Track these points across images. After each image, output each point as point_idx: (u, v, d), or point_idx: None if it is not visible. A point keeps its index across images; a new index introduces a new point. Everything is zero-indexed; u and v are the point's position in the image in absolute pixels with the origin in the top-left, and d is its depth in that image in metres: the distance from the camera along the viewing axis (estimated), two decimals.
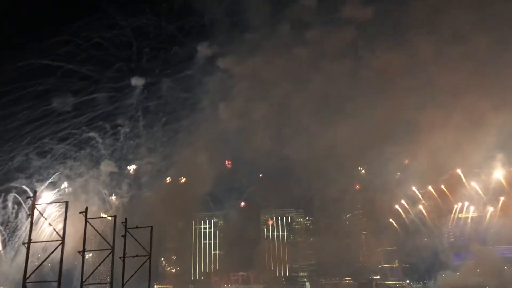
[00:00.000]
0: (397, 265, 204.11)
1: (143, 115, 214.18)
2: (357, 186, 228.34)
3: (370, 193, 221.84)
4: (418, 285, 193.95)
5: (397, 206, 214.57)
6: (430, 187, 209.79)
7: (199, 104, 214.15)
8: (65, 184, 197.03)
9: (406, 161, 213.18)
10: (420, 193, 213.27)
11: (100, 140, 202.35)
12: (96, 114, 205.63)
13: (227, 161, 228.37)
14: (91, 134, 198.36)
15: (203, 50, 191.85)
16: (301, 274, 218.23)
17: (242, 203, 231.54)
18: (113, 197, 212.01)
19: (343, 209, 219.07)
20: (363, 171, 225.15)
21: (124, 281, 29.18)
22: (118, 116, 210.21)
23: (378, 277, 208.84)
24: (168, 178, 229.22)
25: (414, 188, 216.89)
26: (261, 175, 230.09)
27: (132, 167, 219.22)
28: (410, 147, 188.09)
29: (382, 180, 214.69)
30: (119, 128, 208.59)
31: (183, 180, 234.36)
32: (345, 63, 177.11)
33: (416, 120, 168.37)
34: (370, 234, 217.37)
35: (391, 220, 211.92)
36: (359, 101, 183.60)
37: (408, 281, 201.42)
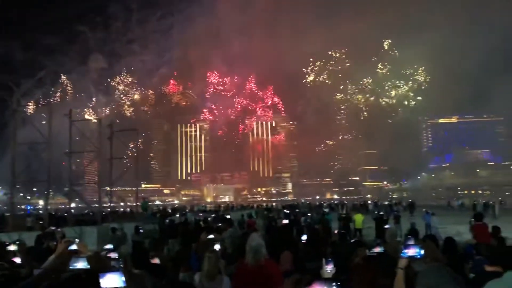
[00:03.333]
0: (376, 167, 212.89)
1: (137, 7, 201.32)
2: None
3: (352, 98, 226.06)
4: (395, 186, 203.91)
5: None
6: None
7: None
8: (53, 81, 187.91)
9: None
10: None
11: (90, 34, 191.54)
12: (87, 5, 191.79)
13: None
14: (81, 27, 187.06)
15: None
16: (284, 175, 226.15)
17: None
18: (101, 97, 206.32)
19: (327, 115, 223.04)
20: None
21: (112, 181, 29.84)
22: (110, 8, 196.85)
23: (357, 178, 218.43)
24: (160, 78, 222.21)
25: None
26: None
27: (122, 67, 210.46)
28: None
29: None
30: (111, 21, 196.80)
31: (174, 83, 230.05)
32: None
33: None
34: (351, 138, 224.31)
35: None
36: None
37: (385, 182, 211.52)
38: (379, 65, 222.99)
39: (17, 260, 5.96)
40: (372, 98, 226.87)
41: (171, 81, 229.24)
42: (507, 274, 3.47)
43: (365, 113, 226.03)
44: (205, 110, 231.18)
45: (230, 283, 5.97)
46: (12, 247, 6.65)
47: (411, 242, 4.26)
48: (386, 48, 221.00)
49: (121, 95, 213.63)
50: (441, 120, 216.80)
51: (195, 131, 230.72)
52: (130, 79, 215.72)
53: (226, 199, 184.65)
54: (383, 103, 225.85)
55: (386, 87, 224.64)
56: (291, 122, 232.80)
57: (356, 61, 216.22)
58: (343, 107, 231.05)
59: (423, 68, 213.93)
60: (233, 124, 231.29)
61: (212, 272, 5.87)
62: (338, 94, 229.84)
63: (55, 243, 9.52)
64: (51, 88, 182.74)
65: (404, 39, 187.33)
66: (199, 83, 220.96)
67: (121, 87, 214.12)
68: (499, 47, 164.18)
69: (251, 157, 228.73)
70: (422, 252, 4.03)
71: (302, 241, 8.90)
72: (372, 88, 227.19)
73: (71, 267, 3.22)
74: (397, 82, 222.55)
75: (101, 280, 2.63)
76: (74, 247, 4.33)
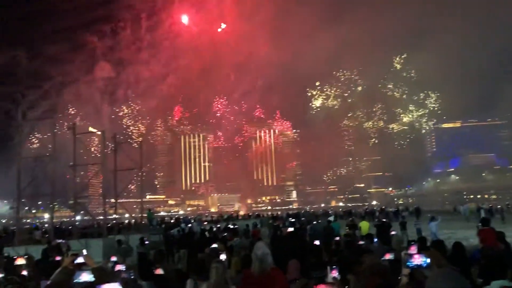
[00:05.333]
0: (381, 173, 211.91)
1: (146, 15, 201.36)
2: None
3: (357, 105, 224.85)
4: (400, 192, 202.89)
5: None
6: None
7: None
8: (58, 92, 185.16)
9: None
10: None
11: (98, 44, 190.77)
12: (95, 14, 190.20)
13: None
14: (89, 36, 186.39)
15: None
16: (288, 183, 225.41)
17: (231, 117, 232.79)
18: (107, 107, 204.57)
19: (330, 121, 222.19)
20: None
21: (117, 193, 29.86)
22: (119, 17, 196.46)
23: (362, 185, 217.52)
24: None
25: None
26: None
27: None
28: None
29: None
30: (120, 30, 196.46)
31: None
32: None
33: None
34: (355, 145, 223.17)
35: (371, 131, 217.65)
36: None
37: (390, 189, 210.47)
38: (390, 86, 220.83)
39: (25, 273, 6.02)
40: (382, 124, 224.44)
41: (176, 107, 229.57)
42: (493, 284, 3.51)
43: (375, 140, 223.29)
44: (210, 136, 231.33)
45: None
46: (20, 261, 6.70)
47: (414, 251, 4.24)
48: (398, 68, 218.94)
49: (129, 126, 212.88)
50: (444, 125, 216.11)
51: (199, 141, 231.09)
52: (137, 108, 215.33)
53: (231, 208, 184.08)
54: (394, 129, 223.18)
55: (398, 110, 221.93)
56: (294, 130, 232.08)
57: (366, 83, 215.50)
58: (350, 131, 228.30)
59: (437, 94, 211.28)
60: (238, 149, 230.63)
61: (219, 282, 5.85)
62: (346, 121, 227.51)
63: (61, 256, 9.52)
64: (56, 99, 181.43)
65: (412, 47, 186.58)
66: (207, 96, 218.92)
67: (126, 118, 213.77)
68: (502, 51, 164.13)
69: (254, 166, 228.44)
70: (428, 260, 3.99)
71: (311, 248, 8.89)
72: (381, 115, 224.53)
73: (75, 281, 3.21)
74: (409, 106, 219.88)
75: None
76: (80, 260, 4.33)
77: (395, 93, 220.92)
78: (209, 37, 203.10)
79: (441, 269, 3.72)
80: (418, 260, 4.02)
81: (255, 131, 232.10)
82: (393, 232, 13.50)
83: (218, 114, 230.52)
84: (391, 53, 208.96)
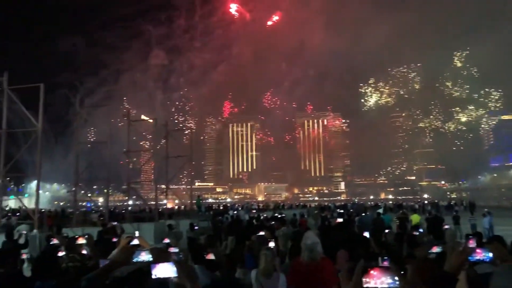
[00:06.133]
0: (433, 166, 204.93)
1: (201, 4, 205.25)
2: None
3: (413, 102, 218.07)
4: (453, 185, 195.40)
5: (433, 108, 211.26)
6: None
7: None
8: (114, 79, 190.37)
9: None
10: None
11: (153, 32, 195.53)
12: (151, 2, 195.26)
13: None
14: (144, 25, 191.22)
15: None
16: (336, 174, 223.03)
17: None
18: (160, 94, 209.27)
19: (380, 112, 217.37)
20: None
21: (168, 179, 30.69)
22: (174, 5, 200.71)
23: (414, 178, 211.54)
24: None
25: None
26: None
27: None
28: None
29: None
30: (175, 18, 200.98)
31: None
32: None
33: None
34: (406, 136, 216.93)
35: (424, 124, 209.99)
36: None
37: (443, 182, 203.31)
38: (449, 84, 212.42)
39: (85, 252, 6.44)
40: (438, 123, 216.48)
41: (226, 102, 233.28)
42: None
43: (429, 139, 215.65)
44: (258, 126, 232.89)
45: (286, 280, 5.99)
46: (81, 241, 7.19)
47: (473, 244, 4.05)
48: (458, 65, 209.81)
49: (181, 121, 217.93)
50: (504, 117, 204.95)
51: (246, 130, 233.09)
52: (190, 104, 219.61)
53: (278, 197, 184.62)
54: (451, 128, 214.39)
55: (456, 109, 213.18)
56: (343, 121, 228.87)
57: (423, 81, 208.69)
58: (404, 128, 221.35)
59: (500, 92, 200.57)
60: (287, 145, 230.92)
61: (268, 269, 5.92)
62: (401, 119, 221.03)
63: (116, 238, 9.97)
64: (112, 87, 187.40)
65: (473, 43, 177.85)
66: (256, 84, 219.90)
67: (178, 112, 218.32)
68: None
69: (302, 156, 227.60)
70: (491, 255, 3.82)
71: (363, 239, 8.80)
72: (438, 114, 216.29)
73: (134, 260, 3.39)
74: (469, 106, 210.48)
75: (153, 271, 2.71)
76: (135, 241, 4.54)
77: (453, 91, 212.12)
78: (262, 25, 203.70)
79: (508, 264, 3.56)
80: (481, 254, 3.83)
81: (304, 122, 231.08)
82: (446, 226, 13.07)
83: (268, 107, 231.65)
84: (451, 49, 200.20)
